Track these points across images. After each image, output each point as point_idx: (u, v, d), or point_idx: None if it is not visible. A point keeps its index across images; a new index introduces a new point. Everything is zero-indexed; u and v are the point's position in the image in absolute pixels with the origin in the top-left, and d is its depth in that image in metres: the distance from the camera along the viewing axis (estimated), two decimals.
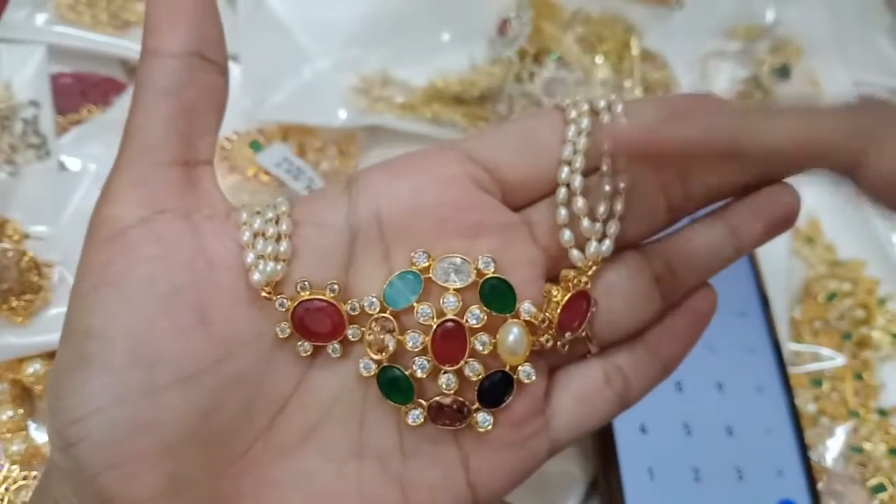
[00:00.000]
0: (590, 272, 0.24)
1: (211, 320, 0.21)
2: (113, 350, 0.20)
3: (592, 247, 0.24)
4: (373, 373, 0.23)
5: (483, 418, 0.23)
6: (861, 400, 0.44)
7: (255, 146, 0.46)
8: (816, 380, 0.44)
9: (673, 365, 0.26)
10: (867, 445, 0.42)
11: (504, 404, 0.23)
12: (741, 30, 0.56)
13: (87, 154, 0.44)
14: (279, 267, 0.22)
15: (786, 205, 0.25)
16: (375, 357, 0.22)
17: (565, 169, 0.24)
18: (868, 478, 0.41)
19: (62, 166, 0.44)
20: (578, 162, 0.24)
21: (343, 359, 0.23)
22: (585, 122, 0.24)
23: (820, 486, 0.40)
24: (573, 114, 0.24)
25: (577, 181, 0.24)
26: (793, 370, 0.44)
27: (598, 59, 0.52)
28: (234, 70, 0.48)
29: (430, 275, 0.23)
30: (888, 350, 0.45)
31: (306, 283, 0.22)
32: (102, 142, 0.45)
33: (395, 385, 0.23)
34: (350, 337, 0.23)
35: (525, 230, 0.24)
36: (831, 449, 0.42)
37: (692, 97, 0.25)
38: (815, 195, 0.51)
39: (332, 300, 0.22)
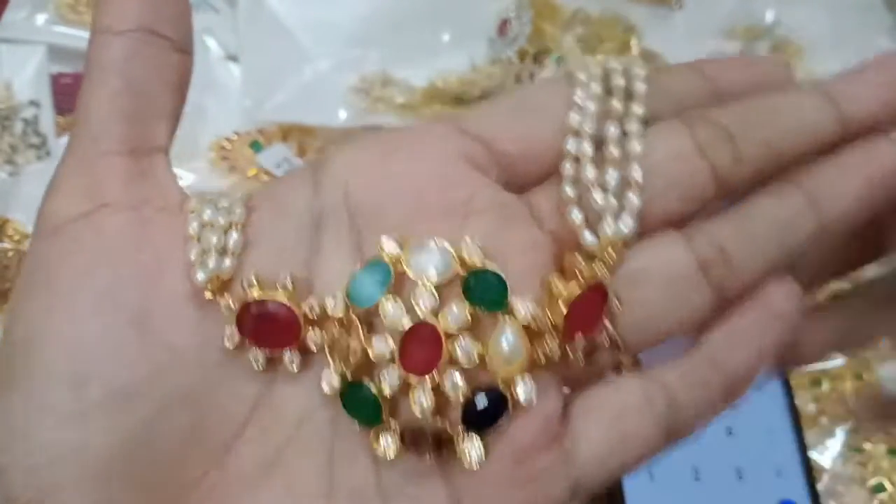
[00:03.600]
0: (608, 258, 0.19)
1: (150, 326, 0.18)
2: (40, 361, 0.18)
3: (608, 225, 0.19)
4: (337, 389, 0.18)
5: (471, 448, 0.18)
6: None
7: (256, 146, 0.46)
8: (816, 380, 0.44)
9: (738, 382, 0.20)
10: (867, 445, 0.42)
11: (498, 428, 0.18)
12: (741, 30, 0.56)
13: None
14: (227, 262, 0.19)
15: (884, 159, 0.20)
16: (340, 369, 0.18)
17: (571, 139, 0.20)
18: (868, 478, 0.41)
19: None
20: (588, 125, 0.20)
21: (307, 371, 0.19)
22: (595, 86, 0.20)
23: (819, 486, 0.40)
24: (582, 76, 0.21)
25: (587, 147, 0.20)
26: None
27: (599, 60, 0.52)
28: (234, 70, 0.48)
29: (403, 265, 0.18)
30: (888, 350, 0.45)
31: (254, 279, 0.19)
32: None
33: (361, 404, 0.18)
34: (311, 344, 0.19)
35: (526, 211, 0.20)
36: (831, 449, 0.42)
37: (727, 63, 0.22)
38: None
39: (284, 300, 0.18)
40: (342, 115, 0.47)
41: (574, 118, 0.20)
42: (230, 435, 0.19)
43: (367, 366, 0.18)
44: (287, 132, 0.47)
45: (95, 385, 0.17)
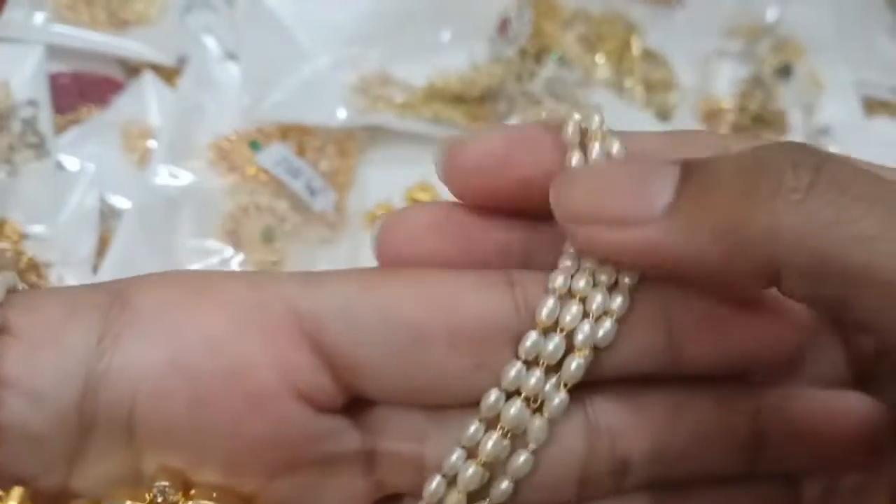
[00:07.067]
0: None
1: None
2: None
3: None
4: None
5: None
6: None
7: (254, 146, 0.46)
8: None
9: None
10: None
11: None
12: (743, 29, 0.55)
13: (85, 153, 0.44)
14: None
15: None
16: None
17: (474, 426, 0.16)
18: None
19: (59, 166, 0.44)
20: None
21: None
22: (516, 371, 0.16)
23: None
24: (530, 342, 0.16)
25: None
26: None
27: (599, 59, 0.52)
28: (233, 69, 0.48)
29: None
30: None
31: None
32: (101, 141, 0.45)
33: None
34: None
35: (355, 463, 0.17)
36: None
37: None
38: None
39: None
40: (341, 114, 0.47)
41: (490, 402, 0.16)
42: None
43: None
44: (286, 131, 0.47)
45: None
